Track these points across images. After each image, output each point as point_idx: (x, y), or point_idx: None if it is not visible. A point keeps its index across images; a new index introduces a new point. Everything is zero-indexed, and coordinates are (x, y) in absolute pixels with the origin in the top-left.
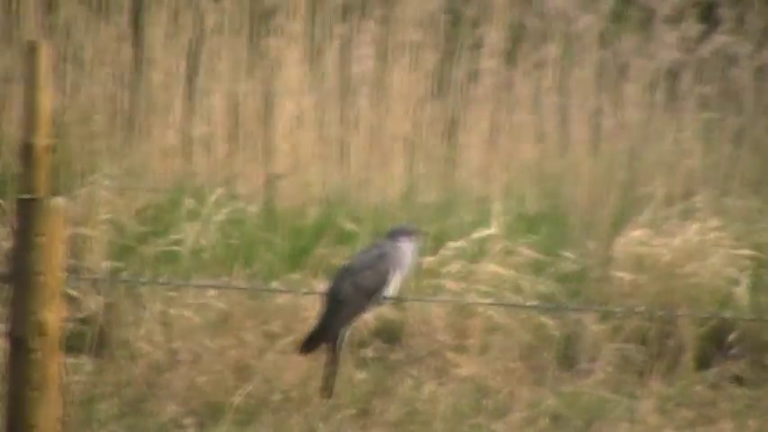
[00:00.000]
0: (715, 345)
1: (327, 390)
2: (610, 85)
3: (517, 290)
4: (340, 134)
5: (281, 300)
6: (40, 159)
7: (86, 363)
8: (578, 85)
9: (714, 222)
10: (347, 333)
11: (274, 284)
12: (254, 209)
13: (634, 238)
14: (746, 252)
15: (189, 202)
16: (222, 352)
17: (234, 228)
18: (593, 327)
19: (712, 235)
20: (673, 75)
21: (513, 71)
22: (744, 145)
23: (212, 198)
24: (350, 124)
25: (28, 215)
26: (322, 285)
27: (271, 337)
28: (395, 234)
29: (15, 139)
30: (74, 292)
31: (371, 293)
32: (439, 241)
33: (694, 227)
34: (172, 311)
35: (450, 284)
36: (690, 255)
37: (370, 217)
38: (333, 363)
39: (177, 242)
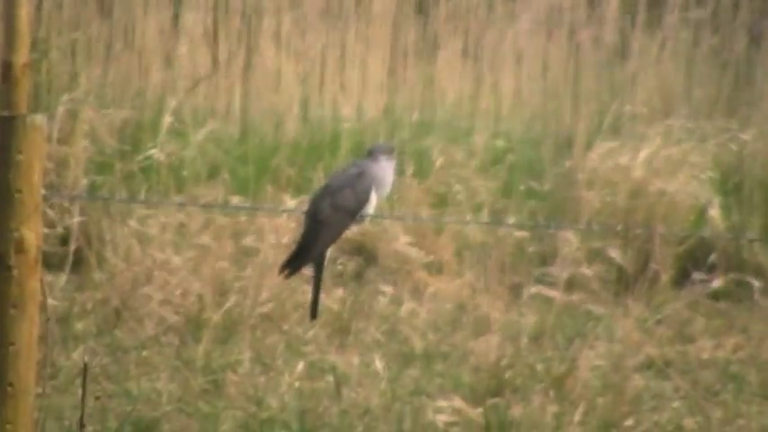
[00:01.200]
0: (691, 264)
1: (313, 310)
2: (588, 3)
3: (493, 209)
4: (320, 53)
5: (257, 217)
6: (20, 77)
7: (64, 280)
8: (555, 2)
9: (687, 141)
10: (328, 253)
11: (250, 202)
12: (231, 127)
13: (602, 154)
14: (715, 172)
15: (168, 120)
16: (199, 269)
17: (212, 145)
18: (569, 245)
19: (682, 153)
20: None
21: None
22: (722, 65)
23: (191, 115)
24: (330, 43)
25: (7, 133)
26: (299, 203)
27: (246, 253)
28: (374, 152)
29: None
30: (52, 210)
31: (352, 213)
32: (419, 160)
33: (665, 145)
34: (149, 229)
35: (428, 202)
36: (658, 173)
37: (349, 135)
38: (317, 284)
39: (155, 159)
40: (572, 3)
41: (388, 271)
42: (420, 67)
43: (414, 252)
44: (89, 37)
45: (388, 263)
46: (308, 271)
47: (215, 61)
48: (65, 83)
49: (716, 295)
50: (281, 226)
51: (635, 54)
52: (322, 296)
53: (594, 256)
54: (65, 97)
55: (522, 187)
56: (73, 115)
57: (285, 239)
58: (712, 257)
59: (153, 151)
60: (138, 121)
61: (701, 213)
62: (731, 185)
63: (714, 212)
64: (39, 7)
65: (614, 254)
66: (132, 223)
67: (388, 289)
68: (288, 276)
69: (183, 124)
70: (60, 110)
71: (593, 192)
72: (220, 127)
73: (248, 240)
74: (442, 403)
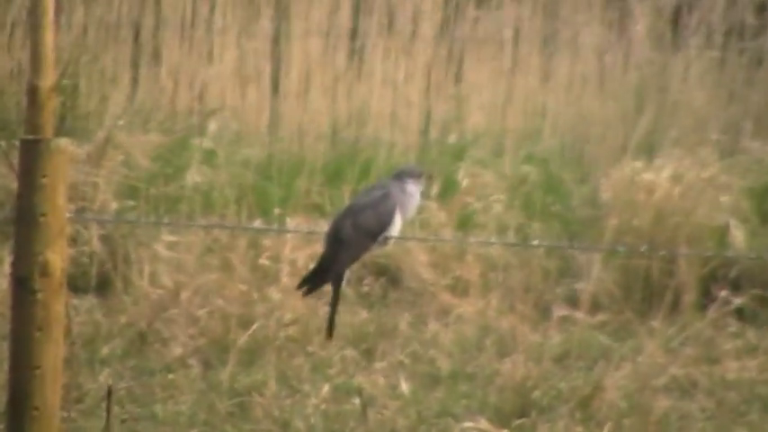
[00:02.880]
0: (715, 284)
1: (329, 330)
2: (616, 22)
3: (519, 230)
4: (350, 74)
5: (282, 239)
6: (45, 101)
7: (90, 303)
8: (585, 23)
9: (713, 161)
10: (347, 274)
11: (275, 224)
12: (260, 150)
13: (626, 175)
14: (741, 191)
15: (198, 143)
16: (224, 292)
17: (240, 168)
18: (594, 266)
19: (707, 173)
20: (677, 13)
21: (520, 9)
22: (750, 84)
23: (221, 139)
24: (360, 64)
25: (32, 156)
26: (324, 225)
27: (271, 275)
28: (401, 175)
29: (21, 80)
30: (79, 232)
31: (373, 234)
32: (448, 182)
33: (689, 164)
34: (175, 252)
35: (452, 224)
36: (683, 193)
37: (378, 158)
38: (334, 303)
39: (184, 183)
40: (600, 23)
41: (412, 292)
42: (451, 89)
43: (438, 274)
44: (118, 61)
45: (412, 284)
46: (329, 290)
47: (244, 83)
48: (95, 107)
49: (741, 316)
50: (306, 248)
51: (661, 74)
52: (347, 317)
53: (619, 276)
54: (95, 122)
55: (547, 208)
56: (105, 139)
57: (310, 261)
58: (736, 277)
59: (186, 178)
60: (168, 145)
61: (725, 233)
62: (756, 205)
63: (737, 233)
64: (68, 32)
65: (638, 275)
66: (158, 246)
67: (413, 310)
68: (305, 294)
69: (215, 144)
70: (92, 134)
71: (617, 212)
72: (249, 149)
73: (273, 262)
74: (468, 424)
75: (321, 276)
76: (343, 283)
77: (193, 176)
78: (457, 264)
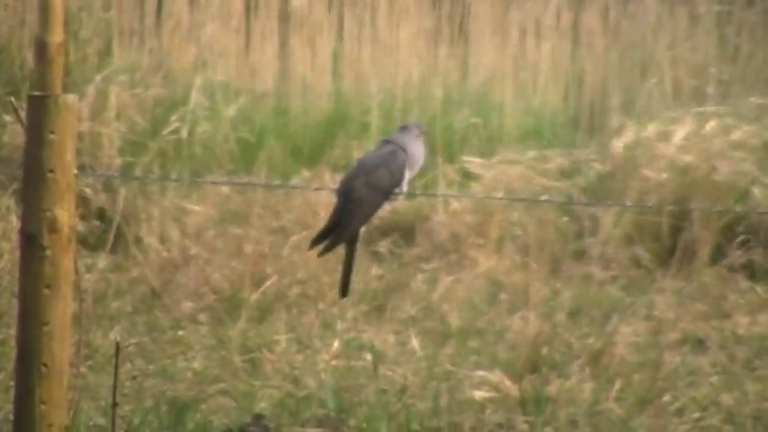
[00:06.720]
0: (729, 241)
1: (344, 288)
2: None
3: (531, 187)
4: (354, 31)
5: (293, 195)
6: (54, 57)
7: (101, 260)
8: None
9: (727, 119)
10: (361, 232)
11: (285, 181)
12: (265, 104)
13: (635, 131)
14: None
15: (200, 97)
16: (235, 248)
17: (246, 123)
18: (607, 223)
19: (719, 130)
20: None
21: None
22: (757, 40)
23: (223, 93)
24: (364, 22)
25: (40, 112)
26: (333, 182)
27: (283, 233)
28: (405, 130)
29: (29, 37)
30: (87, 190)
31: (386, 192)
32: (452, 139)
33: (701, 122)
34: (184, 208)
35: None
36: (702, 152)
37: (379, 112)
38: (349, 262)
39: (183, 137)
40: None
41: (424, 248)
42: (452, 43)
43: (450, 230)
44: (119, 16)
45: (423, 240)
46: (341, 249)
47: (247, 38)
48: (95, 62)
49: (752, 273)
50: (318, 204)
51: (667, 29)
52: (359, 275)
53: (631, 232)
54: (95, 77)
55: (559, 167)
56: (104, 95)
57: (320, 218)
58: (751, 234)
59: (176, 125)
60: (168, 100)
61: (745, 192)
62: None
63: (757, 190)
64: None
65: (651, 231)
66: (167, 203)
67: (424, 266)
68: (320, 255)
69: (214, 102)
70: (91, 89)
71: (629, 170)
72: (252, 105)
73: (284, 219)
74: (481, 373)
75: (335, 236)
76: (358, 242)
77: (186, 129)
78: (469, 221)
